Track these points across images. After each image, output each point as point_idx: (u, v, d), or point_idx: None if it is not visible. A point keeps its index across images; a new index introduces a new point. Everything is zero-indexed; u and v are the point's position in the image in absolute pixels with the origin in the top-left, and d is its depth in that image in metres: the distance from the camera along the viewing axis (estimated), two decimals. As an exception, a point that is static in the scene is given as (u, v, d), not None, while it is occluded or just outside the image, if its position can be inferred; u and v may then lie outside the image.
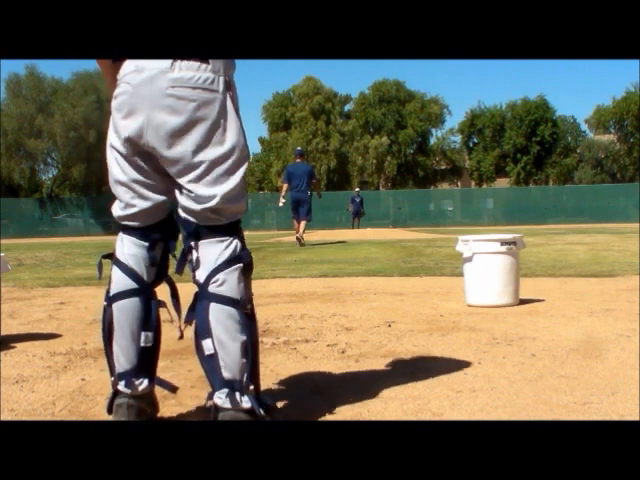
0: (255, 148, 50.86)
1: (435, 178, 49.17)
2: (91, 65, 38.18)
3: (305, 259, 8.38)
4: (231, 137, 1.75)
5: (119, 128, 1.78)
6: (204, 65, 1.71)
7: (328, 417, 1.94)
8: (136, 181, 1.82)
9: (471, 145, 49.08)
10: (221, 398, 1.70)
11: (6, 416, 2.02)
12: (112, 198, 1.92)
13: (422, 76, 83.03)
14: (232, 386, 1.70)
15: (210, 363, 1.72)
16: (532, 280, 5.33)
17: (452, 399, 2.08)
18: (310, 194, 12.19)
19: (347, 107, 48.90)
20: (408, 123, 46.77)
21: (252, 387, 1.71)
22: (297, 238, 12.12)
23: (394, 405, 2.03)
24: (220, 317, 1.71)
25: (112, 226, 31.80)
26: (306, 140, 43.13)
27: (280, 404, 2.09)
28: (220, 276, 1.72)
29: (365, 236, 15.88)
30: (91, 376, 2.51)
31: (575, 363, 2.54)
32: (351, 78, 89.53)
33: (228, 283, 1.72)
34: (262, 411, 1.70)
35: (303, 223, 12.13)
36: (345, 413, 1.97)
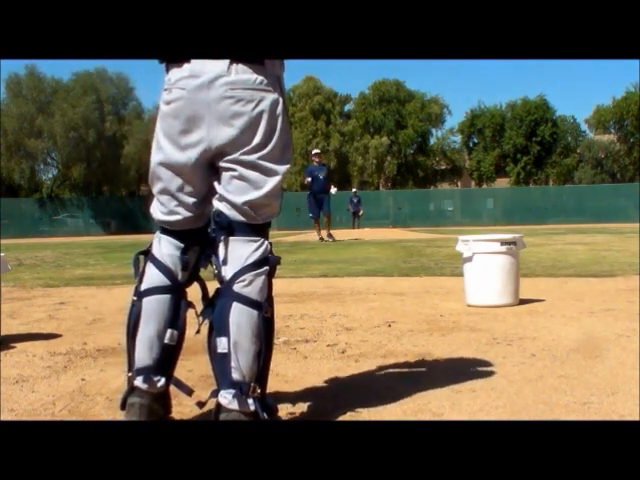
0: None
1: (435, 178, 49.18)
2: (91, 65, 38.22)
3: (305, 259, 8.37)
4: (283, 136, 1.78)
5: (175, 136, 1.77)
6: (260, 67, 1.73)
7: (328, 417, 1.94)
8: (183, 191, 1.83)
9: (471, 145, 49.10)
10: (227, 398, 1.69)
11: (6, 416, 2.02)
12: (149, 196, 1.92)
13: (422, 76, 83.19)
14: (240, 388, 1.69)
15: (221, 361, 1.71)
16: (532, 280, 5.33)
17: (452, 399, 2.08)
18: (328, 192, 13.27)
19: (347, 107, 48.94)
20: (408, 123, 46.78)
21: (259, 390, 1.71)
22: (329, 235, 13.23)
23: (394, 405, 2.03)
24: (240, 318, 1.71)
25: (112, 226, 31.91)
26: (306, 140, 43.12)
27: (280, 404, 2.09)
28: (247, 276, 1.73)
29: (365, 236, 15.88)
30: (91, 376, 2.51)
31: (575, 363, 2.54)
32: (351, 78, 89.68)
33: (254, 285, 1.73)
34: (265, 415, 1.70)
35: (327, 220, 13.32)
36: (345, 413, 1.97)
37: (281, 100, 1.78)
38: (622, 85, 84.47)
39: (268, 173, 1.77)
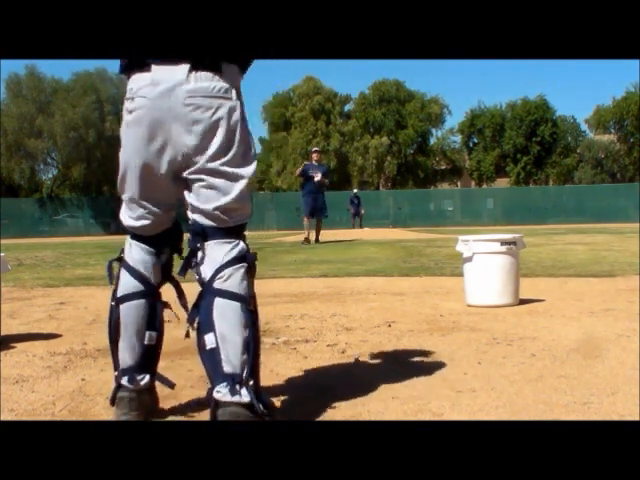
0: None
1: (435, 178, 49.16)
2: (91, 65, 38.22)
3: (305, 259, 8.37)
4: (243, 142, 1.83)
5: (140, 143, 1.82)
6: (218, 75, 1.79)
7: (328, 417, 1.95)
8: (148, 199, 1.90)
9: (471, 145, 49.08)
10: (220, 392, 1.71)
11: (6, 416, 2.02)
12: (118, 203, 1.98)
13: (422, 76, 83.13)
14: (232, 379, 1.71)
15: (211, 357, 1.75)
16: (532, 280, 5.33)
17: (452, 399, 2.08)
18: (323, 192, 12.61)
19: (347, 107, 48.90)
20: (408, 123, 46.77)
21: (252, 382, 1.73)
22: (313, 239, 12.52)
23: (394, 405, 2.03)
24: (224, 311, 1.75)
25: (112, 226, 31.88)
26: (306, 140, 43.13)
27: (280, 404, 2.09)
28: (225, 272, 1.78)
29: (365, 236, 15.88)
30: (91, 376, 2.51)
31: (575, 363, 2.54)
32: (351, 78, 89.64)
33: (233, 279, 1.78)
34: (261, 406, 1.71)
35: (318, 223, 12.61)
36: (345, 413, 1.97)
37: (239, 106, 1.83)
38: (622, 85, 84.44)
39: (234, 178, 1.82)
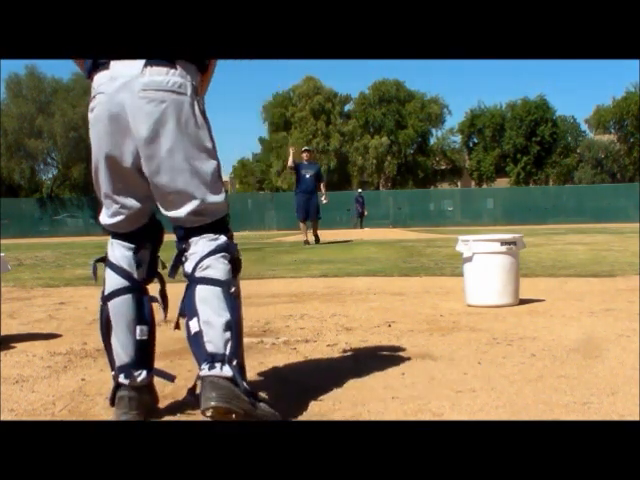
0: (255, 148, 51.00)
1: (435, 178, 49.16)
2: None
3: (305, 259, 8.37)
4: (202, 138, 1.85)
5: (103, 139, 1.85)
6: (172, 70, 1.81)
7: (328, 417, 1.94)
8: (120, 192, 1.93)
9: (471, 145, 49.08)
10: (204, 369, 1.73)
11: (6, 416, 2.02)
12: (99, 206, 2.03)
13: (422, 76, 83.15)
14: (214, 357, 1.74)
15: (195, 341, 1.78)
16: (532, 280, 5.33)
17: (452, 399, 2.08)
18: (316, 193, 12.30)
19: (347, 107, 48.92)
20: (408, 123, 46.77)
21: (235, 362, 1.75)
22: (310, 241, 12.22)
23: (394, 405, 2.03)
24: (205, 296, 1.79)
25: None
26: (306, 140, 43.13)
27: (280, 404, 2.09)
28: (205, 262, 1.82)
29: (365, 236, 15.88)
30: (91, 376, 2.51)
31: (575, 363, 2.54)
32: (351, 78, 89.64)
33: (213, 267, 1.82)
34: (245, 385, 1.74)
35: (313, 223, 12.32)
36: (345, 413, 1.97)
37: (189, 102, 1.82)
38: (622, 85, 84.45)
39: (198, 177, 1.83)
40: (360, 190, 30.82)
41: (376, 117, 46.61)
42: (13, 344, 3.17)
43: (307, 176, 12.18)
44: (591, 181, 45.03)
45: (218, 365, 1.73)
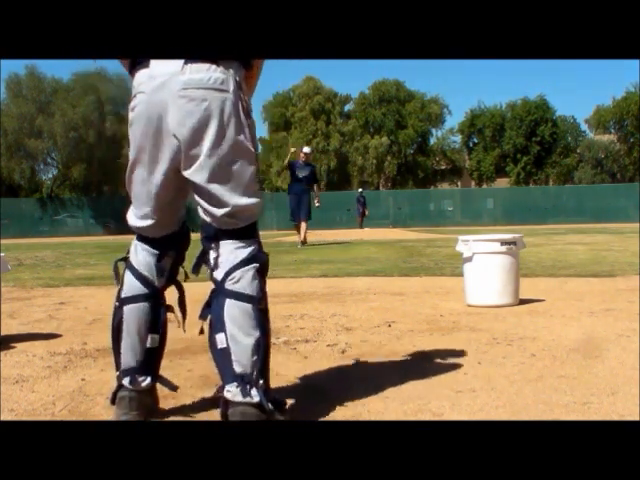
0: (255, 148, 51.20)
1: (435, 178, 49.18)
2: (91, 65, 38.18)
3: (305, 259, 8.37)
4: (243, 140, 1.80)
5: (143, 140, 1.81)
6: (213, 66, 1.75)
7: (328, 417, 1.95)
8: (156, 197, 1.87)
9: (471, 145, 49.10)
10: (230, 391, 1.74)
11: (6, 416, 2.02)
12: (127, 204, 1.97)
13: (422, 76, 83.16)
14: (242, 379, 1.73)
15: (222, 357, 1.77)
16: (532, 280, 5.33)
17: (452, 399, 2.08)
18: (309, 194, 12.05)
19: (347, 107, 48.93)
20: (408, 123, 46.78)
21: (262, 382, 1.75)
22: (302, 241, 12.00)
23: (394, 405, 2.03)
24: (234, 313, 1.76)
25: (111, 226, 31.88)
26: (306, 140, 43.13)
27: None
28: (237, 274, 1.79)
29: (365, 236, 15.88)
30: (91, 376, 2.51)
31: (575, 363, 2.54)
32: (351, 78, 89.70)
33: (244, 280, 1.78)
34: (271, 405, 1.74)
35: (304, 224, 12.00)
36: (345, 413, 1.97)
37: (233, 100, 1.76)
38: (622, 85, 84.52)
39: (234, 178, 1.79)
40: (361, 190, 30.83)
41: (376, 117, 46.62)
42: (13, 344, 3.16)
43: (300, 177, 11.98)
44: (591, 181, 45.03)
45: (246, 389, 1.72)
